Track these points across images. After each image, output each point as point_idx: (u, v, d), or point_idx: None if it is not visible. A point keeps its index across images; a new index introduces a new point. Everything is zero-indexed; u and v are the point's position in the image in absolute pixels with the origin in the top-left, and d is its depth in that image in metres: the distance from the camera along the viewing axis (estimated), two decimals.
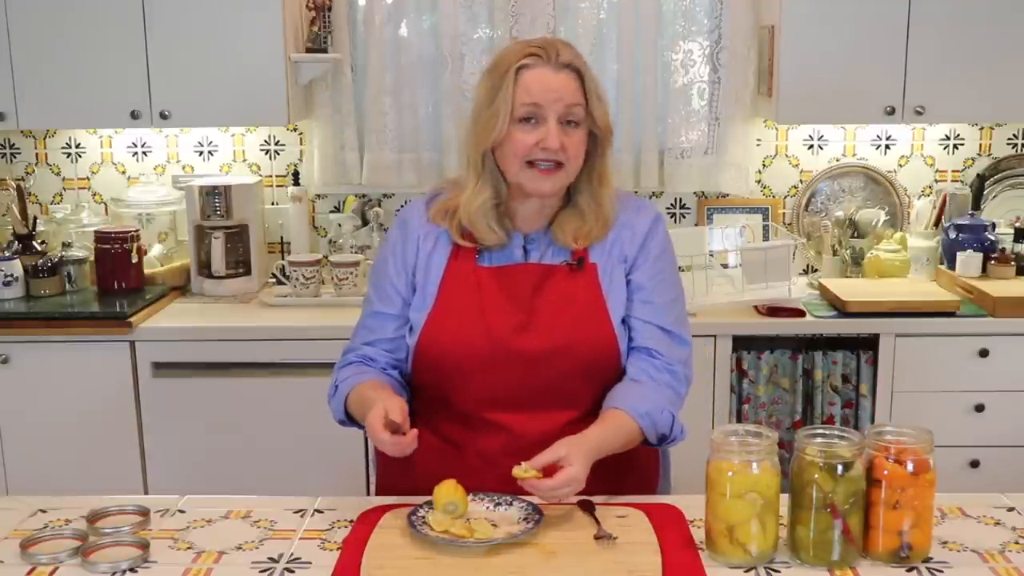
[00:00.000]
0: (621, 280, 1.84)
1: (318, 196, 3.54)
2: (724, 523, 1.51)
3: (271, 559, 1.56)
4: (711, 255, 3.20)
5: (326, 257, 3.31)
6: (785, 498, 1.53)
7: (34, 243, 3.26)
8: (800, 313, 3.03)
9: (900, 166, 3.50)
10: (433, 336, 1.80)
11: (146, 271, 3.27)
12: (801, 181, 3.52)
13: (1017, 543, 1.59)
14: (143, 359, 2.97)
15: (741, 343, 3.06)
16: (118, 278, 3.19)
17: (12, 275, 3.11)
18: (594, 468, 1.64)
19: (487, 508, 1.66)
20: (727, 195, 3.50)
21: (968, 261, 3.15)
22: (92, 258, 3.23)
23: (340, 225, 3.40)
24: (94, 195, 3.56)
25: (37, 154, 3.55)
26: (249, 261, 3.33)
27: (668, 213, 3.53)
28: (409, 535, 1.58)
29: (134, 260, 3.20)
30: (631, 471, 1.84)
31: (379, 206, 3.46)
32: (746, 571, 1.51)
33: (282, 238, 3.50)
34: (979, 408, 2.99)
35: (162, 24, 3.09)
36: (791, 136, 3.50)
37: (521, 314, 1.79)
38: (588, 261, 1.83)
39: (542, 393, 1.78)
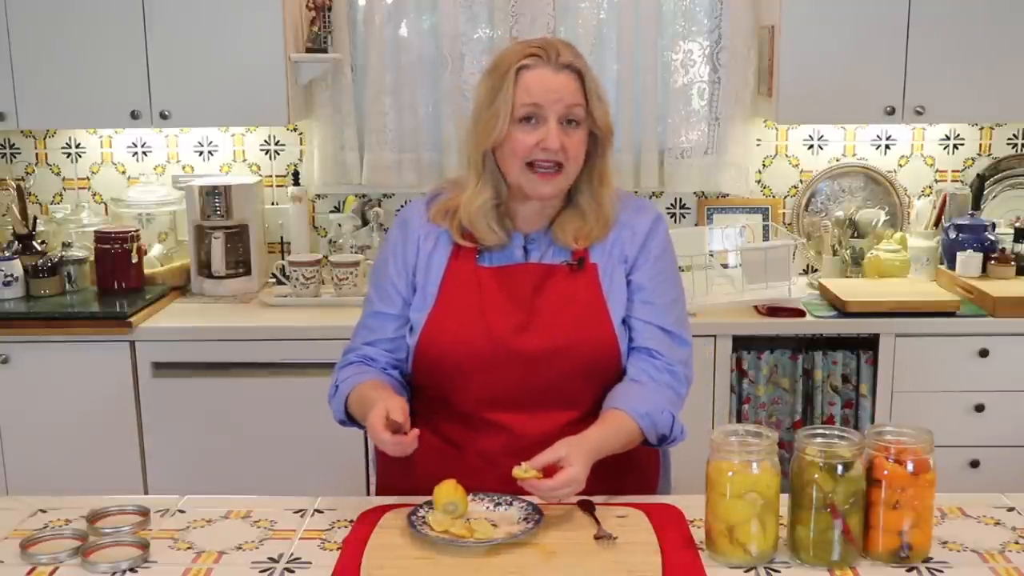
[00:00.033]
0: (621, 280, 1.84)
1: (318, 196, 3.54)
2: (724, 523, 1.51)
3: (271, 559, 1.56)
4: (711, 255, 3.20)
5: (326, 257, 3.31)
6: (785, 498, 1.53)
7: (34, 243, 3.26)
8: (800, 313, 3.03)
9: (900, 166, 3.50)
10: (433, 336, 1.80)
11: (146, 271, 3.27)
12: (801, 181, 3.52)
13: (1017, 543, 1.59)
14: (143, 359, 2.97)
15: (741, 343, 3.06)
16: (118, 278, 3.19)
17: (12, 275, 3.12)
18: (594, 468, 1.64)
19: (487, 508, 1.66)
20: (727, 195, 3.50)
21: (968, 261, 3.15)
22: (92, 258, 3.23)
23: (340, 225, 3.40)
24: (94, 195, 3.56)
25: (37, 154, 3.55)
26: (249, 261, 3.33)
27: (668, 213, 3.53)
28: (409, 535, 1.58)
29: (134, 260, 3.20)
30: (631, 471, 1.84)
31: (379, 206, 3.46)
32: (746, 571, 1.51)
33: (282, 238, 3.50)
34: (979, 408, 2.99)
35: (162, 24, 3.09)
36: (791, 136, 3.50)
37: (521, 314, 1.79)
38: (588, 261, 1.83)
39: (542, 393, 1.78)
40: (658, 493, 1.93)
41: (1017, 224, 3.29)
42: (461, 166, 2.72)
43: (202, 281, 3.30)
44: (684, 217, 3.55)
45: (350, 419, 1.85)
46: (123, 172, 3.55)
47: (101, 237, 3.19)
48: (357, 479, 2.98)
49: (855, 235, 3.38)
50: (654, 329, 1.83)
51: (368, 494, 2.82)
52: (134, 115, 3.14)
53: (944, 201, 3.33)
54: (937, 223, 3.35)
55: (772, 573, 1.51)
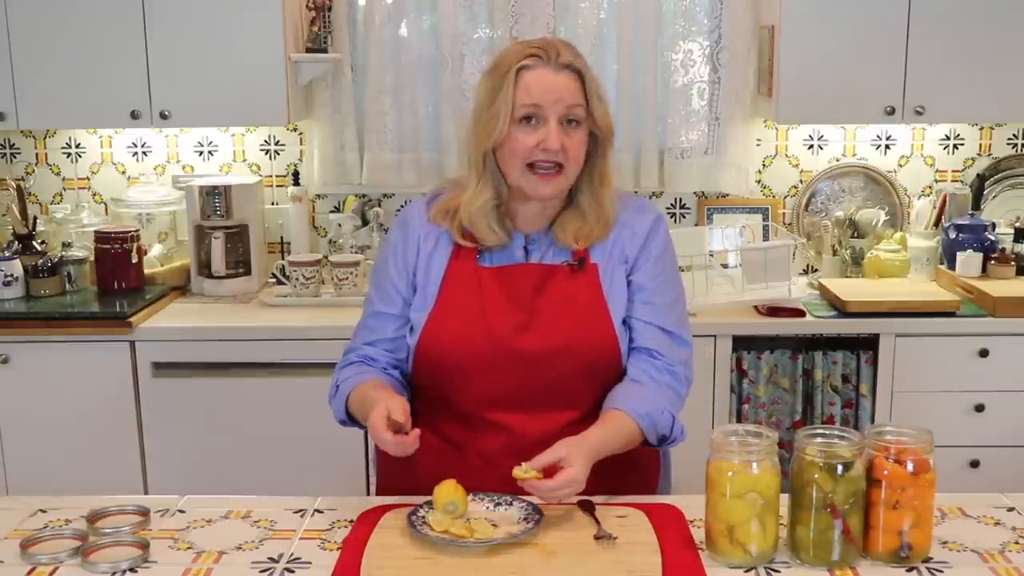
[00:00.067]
0: (622, 281, 1.84)
1: (318, 196, 3.54)
2: (724, 523, 1.51)
3: (271, 559, 1.56)
4: (711, 255, 3.20)
5: (326, 257, 3.31)
6: (785, 498, 1.53)
7: (34, 243, 3.26)
8: (800, 313, 3.03)
9: (900, 166, 3.50)
10: (434, 336, 1.80)
11: (146, 271, 3.27)
12: (801, 181, 3.52)
13: (1017, 543, 1.59)
14: (143, 359, 2.97)
15: (741, 343, 3.06)
16: (118, 278, 3.19)
17: (12, 275, 3.12)
18: (594, 468, 1.64)
19: (487, 508, 1.66)
20: (727, 195, 3.50)
21: (968, 261, 3.15)
22: (92, 258, 3.23)
23: (340, 225, 3.40)
24: (94, 195, 3.56)
25: (37, 154, 3.55)
26: (249, 261, 3.33)
27: (668, 213, 3.53)
28: (409, 535, 1.58)
29: (134, 260, 3.20)
30: (631, 471, 1.84)
31: (379, 206, 3.46)
32: (746, 571, 1.51)
33: (282, 238, 3.50)
34: (979, 408, 2.99)
35: (162, 24, 3.09)
36: (791, 136, 3.50)
37: (522, 314, 1.79)
38: (589, 261, 1.83)
39: (543, 393, 1.78)
40: (658, 493, 1.93)
41: (1017, 224, 3.29)
42: (461, 166, 2.72)
43: (202, 281, 3.30)
44: (684, 217, 3.55)
45: (351, 419, 1.85)
46: (123, 172, 3.55)
47: (101, 237, 3.19)
48: (357, 479, 2.98)
49: (855, 235, 3.38)
50: (654, 329, 1.83)
51: (368, 494, 2.82)
52: (134, 115, 3.14)
53: (944, 201, 3.33)
54: (937, 223, 3.35)
55: (772, 573, 1.51)
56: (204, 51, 3.11)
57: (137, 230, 3.23)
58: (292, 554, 1.58)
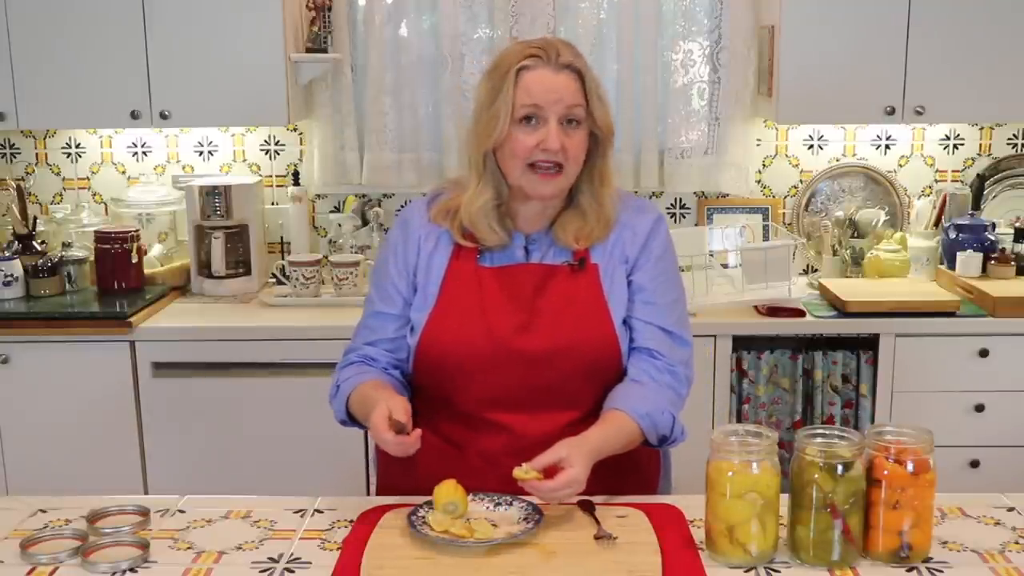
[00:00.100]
0: (622, 281, 1.84)
1: (318, 196, 3.54)
2: (724, 523, 1.51)
3: (271, 559, 1.56)
4: (711, 255, 3.20)
5: (326, 257, 3.31)
6: (785, 498, 1.53)
7: (34, 243, 3.26)
8: (800, 313, 3.03)
9: (900, 166, 3.50)
10: (434, 336, 1.80)
11: (146, 271, 3.27)
12: (801, 181, 3.52)
13: (1017, 543, 1.59)
14: (143, 359, 2.97)
15: (741, 343, 3.06)
16: (118, 278, 3.19)
17: (12, 275, 3.11)
18: (594, 468, 1.64)
19: (487, 508, 1.66)
20: (727, 195, 3.50)
21: (968, 261, 3.15)
22: (92, 258, 3.23)
23: (340, 225, 3.40)
24: (94, 195, 3.56)
25: (37, 154, 3.55)
26: (249, 261, 3.33)
27: (668, 213, 3.53)
28: (409, 535, 1.58)
29: (134, 260, 3.20)
30: (631, 471, 1.84)
31: (379, 206, 3.46)
32: (746, 571, 1.51)
33: (282, 238, 3.50)
34: (979, 408, 2.99)
35: (162, 24, 3.09)
36: (791, 136, 3.50)
37: (522, 314, 1.79)
38: (589, 262, 1.83)
39: (543, 393, 1.78)
40: (658, 493, 1.93)
41: (1017, 224, 3.29)
42: (461, 166, 2.72)
43: (202, 281, 3.30)
44: (684, 217, 3.55)
45: (351, 419, 1.85)
46: (123, 172, 3.55)
47: (101, 237, 3.19)
48: (357, 479, 2.98)
49: (855, 235, 3.38)
50: (655, 329, 1.83)
51: (368, 494, 2.82)
52: (134, 115, 3.14)
53: (944, 201, 3.33)
54: (937, 223, 3.35)
55: (772, 573, 1.51)
56: (204, 51, 3.11)
57: (137, 230, 3.23)
58: (292, 554, 1.58)
